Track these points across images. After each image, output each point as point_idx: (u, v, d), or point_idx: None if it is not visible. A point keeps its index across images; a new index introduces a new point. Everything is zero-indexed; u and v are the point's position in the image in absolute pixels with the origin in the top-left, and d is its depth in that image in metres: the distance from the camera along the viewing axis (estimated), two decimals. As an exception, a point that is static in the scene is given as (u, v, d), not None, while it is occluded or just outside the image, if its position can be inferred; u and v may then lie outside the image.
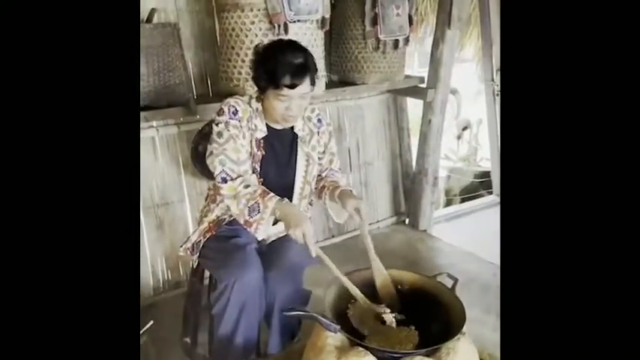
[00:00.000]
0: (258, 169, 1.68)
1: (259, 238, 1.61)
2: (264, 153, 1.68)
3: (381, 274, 1.61)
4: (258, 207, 1.53)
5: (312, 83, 1.60)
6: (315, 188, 1.84)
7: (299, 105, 1.60)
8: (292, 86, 1.54)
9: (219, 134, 1.61)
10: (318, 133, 1.80)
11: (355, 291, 1.54)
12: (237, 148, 1.60)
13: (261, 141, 1.68)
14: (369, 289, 1.62)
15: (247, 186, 1.57)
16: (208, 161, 1.64)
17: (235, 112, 1.62)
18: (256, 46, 1.67)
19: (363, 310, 1.54)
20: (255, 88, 1.66)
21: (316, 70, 1.61)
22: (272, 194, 1.56)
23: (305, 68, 1.55)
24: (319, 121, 1.80)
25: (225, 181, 1.58)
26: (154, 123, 2.42)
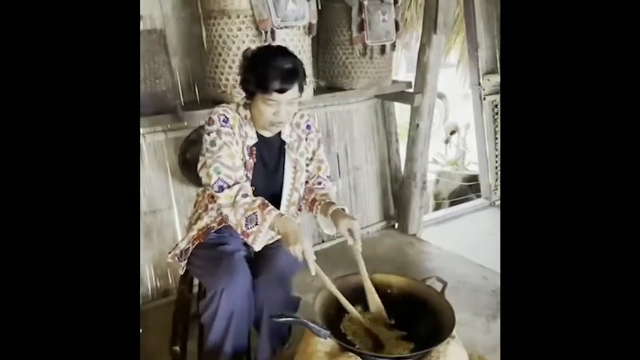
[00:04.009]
0: (250, 177, 1.67)
1: (256, 249, 1.58)
2: (255, 160, 1.68)
3: (375, 304, 1.59)
4: (256, 219, 1.51)
5: (301, 89, 1.60)
6: (305, 199, 1.82)
7: (287, 111, 1.59)
8: (282, 91, 1.53)
9: (212, 143, 1.58)
10: (307, 139, 1.79)
11: (349, 307, 1.53)
12: (231, 154, 1.58)
13: (253, 148, 1.67)
14: (362, 293, 1.62)
15: (245, 195, 1.55)
16: (202, 173, 1.63)
17: (226, 120, 1.60)
18: (245, 51, 1.66)
19: (355, 320, 1.54)
20: (243, 95, 1.65)
21: (305, 76, 1.61)
22: (271, 207, 1.54)
23: (294, 73, 1.55)
24: (308, 127, 1.80)
25: (222, 189, 1.55)
26: (141, 130, 2.40)
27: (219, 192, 1.55)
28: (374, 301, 1.60)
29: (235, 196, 1.54)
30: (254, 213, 1.52)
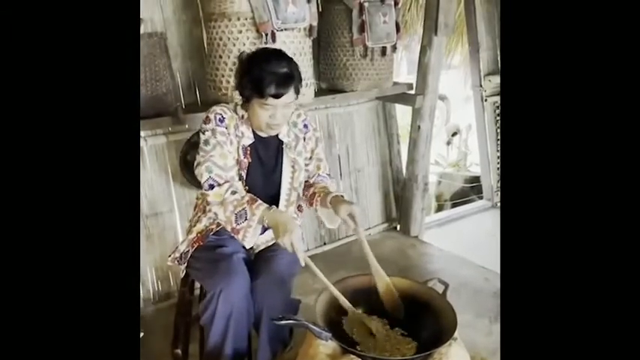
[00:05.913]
0: (245, 176, 1.67)
1: (247, 246, 1.60)
2: (250, 160, 1.68)
3: (383, 280, 1.61)
4: (246, 214, 1.52)
5: (297, 92, 1.60)
6: (305, 195, 1.83)
7: (283, 114, 1.60)
8: (277, 96, 1.53)
9: (206, 142, 1.60)
10: (304, 138, 1.80)
11: (342, 300, 1.53)
12: (224, 154, 1.60)
13: (248, 148, 1.68)
14: (363, 295, 1.62)
15: (234, 192, 1.56)
16: (196, 172, 1.64)
17: (222, 120, 1.62)
18: (240, 54, 1.66)
19: (354, 319, 1.53)
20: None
21: (301, 79, 1.61)
22: (260, 201, 1.55)
23: (290, 77, 1.55)
24: (305, 126, 1.80)
25: (212, 187, 1.57)
26: (142, 133, 2.41)
27: (208, 190, 1.57)
28: (381, 277, 1.61)
29: (224, 194, 1.55)
30: (243, 209, 1.53)
